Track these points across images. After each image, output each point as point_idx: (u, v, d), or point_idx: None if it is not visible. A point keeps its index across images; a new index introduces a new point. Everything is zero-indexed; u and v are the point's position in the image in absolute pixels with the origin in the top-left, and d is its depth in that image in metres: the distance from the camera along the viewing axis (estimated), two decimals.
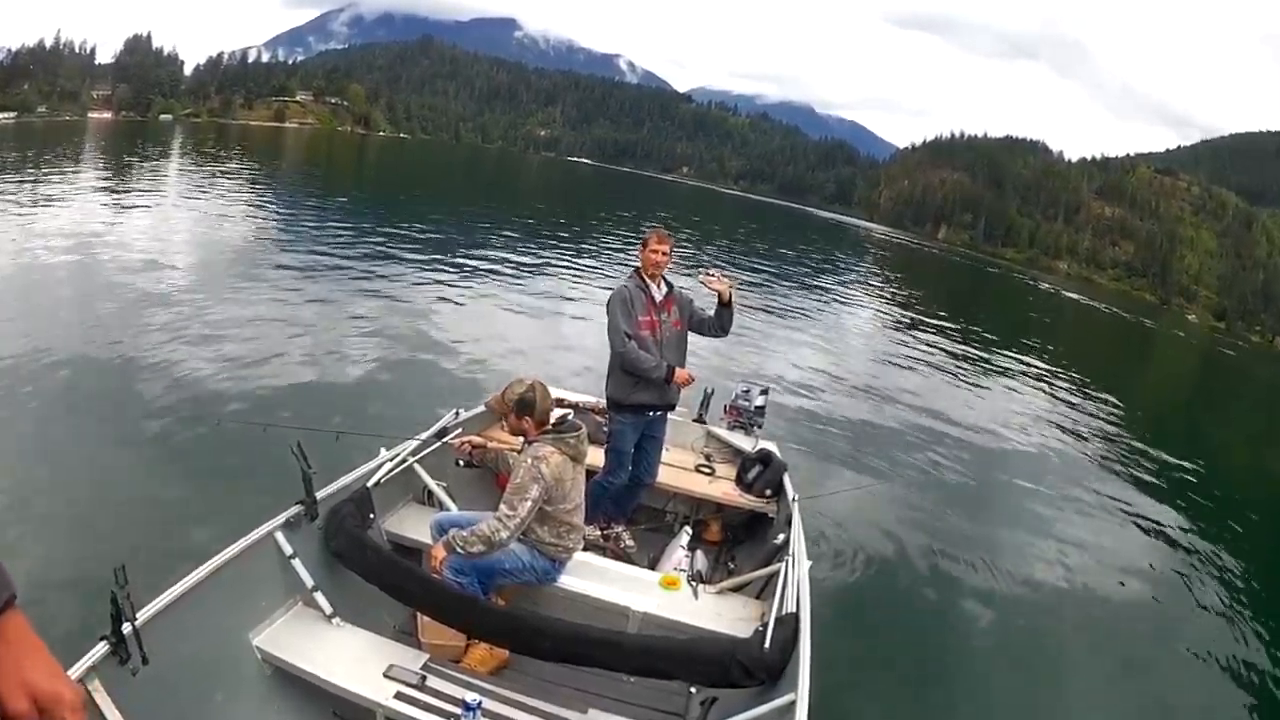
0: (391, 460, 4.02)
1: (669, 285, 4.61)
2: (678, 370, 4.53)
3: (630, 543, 4.79)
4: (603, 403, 5.09)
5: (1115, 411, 15.21)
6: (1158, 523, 8.91)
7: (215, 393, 7.13)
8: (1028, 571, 6.69)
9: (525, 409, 3.55)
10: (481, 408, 4.99)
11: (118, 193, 20.74)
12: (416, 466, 4.19)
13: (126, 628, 2.45)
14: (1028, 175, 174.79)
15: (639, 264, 4.57)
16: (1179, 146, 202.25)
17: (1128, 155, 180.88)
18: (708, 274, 4.53)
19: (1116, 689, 5.27)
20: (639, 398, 4.52)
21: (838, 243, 63.89)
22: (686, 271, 12.47)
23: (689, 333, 4.74)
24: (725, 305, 4.61)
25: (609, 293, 4.58)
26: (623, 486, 4.74)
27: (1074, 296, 65.38)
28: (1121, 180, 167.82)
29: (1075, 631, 5.86)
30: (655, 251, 4.46)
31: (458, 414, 4.83)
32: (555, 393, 4.95)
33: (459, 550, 3.35)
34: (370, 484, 3.82)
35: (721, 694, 3.22)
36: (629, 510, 4.98)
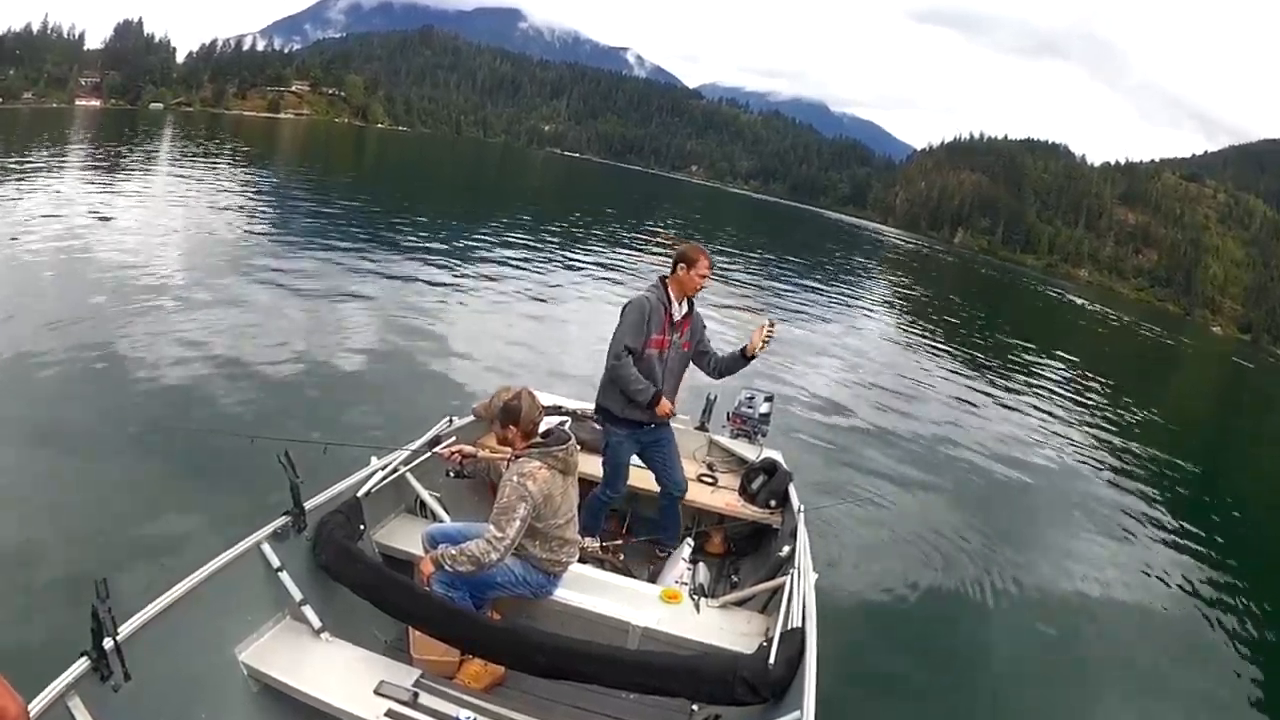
0: (382, 470, 3.94)
1: (690, 304, 4.40)
2: (663, 400, 4.33)
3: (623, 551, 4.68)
4: None
5: (1135, 428, 14.78)
6: (1181, 542, 8.59)
7: (202, 401, 6.95)
8: (1044, 587, 6.46)
9: (510, 417, 3.42)
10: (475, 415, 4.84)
11: (103, 187, 19.84)
12: (408, 476, 4.09)
13: (108, 643, 2.41)
14: (1049, 178, 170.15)
15: (667, 275, 4.33)
16: (1206, 152, 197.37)
17: (1153, 160, 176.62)
18: (769, 329, 4.38)
19: (1135, 711, 5.13)
20: (632, 414, 4.35)
21: (850, 246, 63.40)
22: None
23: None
24: (745, 358, 4.45)
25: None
26: (667, 505, 4.67)
27: (1095, 307, 64.35)
28: (1146, 186, 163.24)
29: (1093, 650, 5.67)
30: (705, 276, 4.29)
31: (451, 421, 4.64)
32: (552, 399, 5.24)
33: (447, 568, 3.27)
34: (360, 494, 3.74)
35: (724, 711, 3.15)
36: (679, 529, 4.74)
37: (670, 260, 4.33)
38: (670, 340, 4.32)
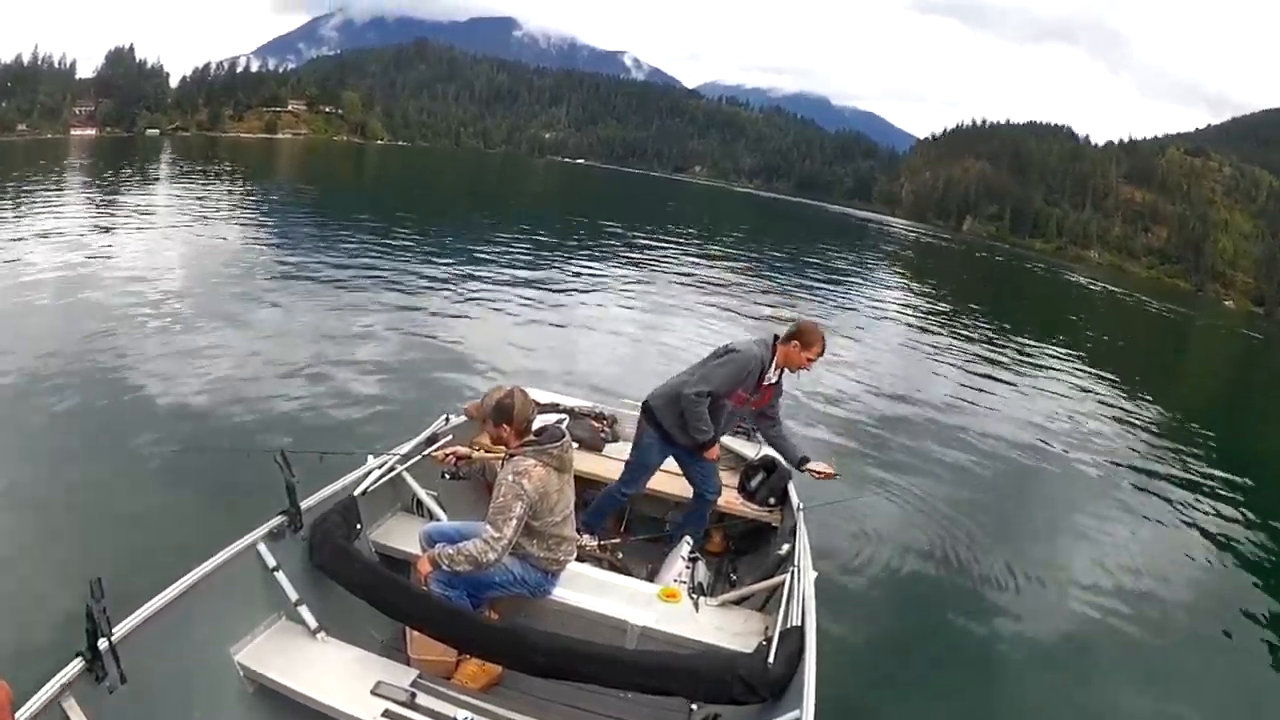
0: (379, 468, 3.94)
1: (781, 373, 4.48)
2: (714, 445, 4.50)
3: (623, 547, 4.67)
4: (600, 408, 5.45)
5: (1148, 410, 14.41)
6: (1199, 532, 8.18)
7: (198, 401, 7.06)
8: (1052, 584, 6.26)
9: (502, 416, 3.39)
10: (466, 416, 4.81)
11: (102, 213, 20.13)
12: (405, 475, 4.08)
13: (103, 643, 2.40)
14: (1053, 161, 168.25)
15: (781, 336, 4.41)
16: (1209, 125, 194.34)
17: (1156, 137, 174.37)
18: (827, 476, 4.53)
19: (1144, 708, 4.96)
20: (678, 435, 4.43)
21: (856, 239, 63.32)
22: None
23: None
24: (796, 463, 4.58)
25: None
26: (697, 508, 4.68)
27: (1106, 288, 63.84)
28: (1150, 163, 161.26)
29: (1100, 646, 5.50)
30: (812, 361, 4.38)
31: (447, 420, 4.65)
32: (551, 397, 5.39)
33: (444, 567, 3.27)
34: (357, 493, 3.73)
35: (723, 711, 3.13)
36: (705, 527, 4.73)
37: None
38: (749, 398, 4.42)
